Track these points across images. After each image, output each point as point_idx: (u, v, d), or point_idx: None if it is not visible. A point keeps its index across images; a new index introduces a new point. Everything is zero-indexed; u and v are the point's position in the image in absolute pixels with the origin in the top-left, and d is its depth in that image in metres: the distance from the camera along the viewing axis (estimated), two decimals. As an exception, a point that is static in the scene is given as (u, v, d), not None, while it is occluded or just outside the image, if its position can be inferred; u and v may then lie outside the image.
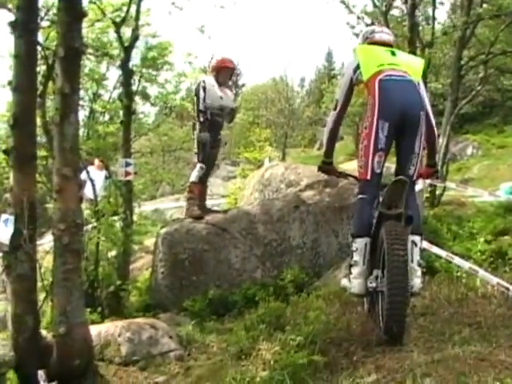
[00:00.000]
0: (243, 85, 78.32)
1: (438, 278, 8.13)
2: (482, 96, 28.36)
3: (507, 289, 6.57)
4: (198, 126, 9.60)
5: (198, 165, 9.56)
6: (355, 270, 5.28)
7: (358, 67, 5.67)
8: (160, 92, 16.76)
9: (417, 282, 5.09)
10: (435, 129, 5.74)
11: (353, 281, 5.31)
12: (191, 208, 9.48)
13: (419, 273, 5.15)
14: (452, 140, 16.95)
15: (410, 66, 5.71)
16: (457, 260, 8.02)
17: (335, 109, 5.88)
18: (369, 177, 5.28)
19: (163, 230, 9.10)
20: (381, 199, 5.12)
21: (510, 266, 10.49)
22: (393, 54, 5.71)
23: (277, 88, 40.60)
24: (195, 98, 9.73)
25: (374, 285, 5.08)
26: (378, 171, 5.26)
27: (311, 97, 57.52)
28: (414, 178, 5.36)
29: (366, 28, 8.03)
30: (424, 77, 6.91)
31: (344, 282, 5.64)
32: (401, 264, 4.67)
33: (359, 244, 5.30)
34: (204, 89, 9.65)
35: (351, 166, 11.51)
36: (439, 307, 6.01)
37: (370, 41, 6.00)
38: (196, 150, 9.63)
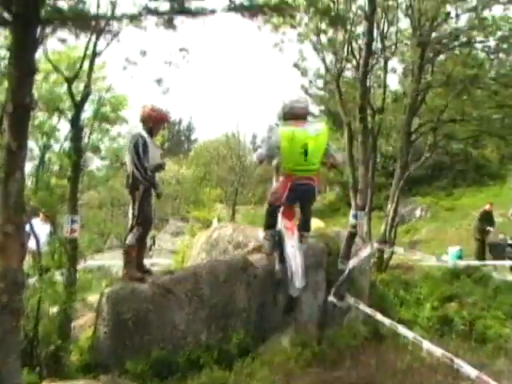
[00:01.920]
0: (195, 140, 78.78)
1: (384, 345, 8.16)
2: (431, 159, 28.98)
3: (451, 360, 6.60)
4: (141, 187, 8.92)
5: (136, 227, 9.00)
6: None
7: (278, 148, 8.60)
8: (112, 146, 16.77)
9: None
10: (336, 158, 9.30)
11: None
12: (131, 271, 9.09)
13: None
14: (401, 202, 17.14)
15: (318, 141, 8.64)
16: (401, 329, 8.03)
17: (260, 162, 9.40)
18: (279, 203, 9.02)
19: (107, 289, 8.93)
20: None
21: (456, 332, 10.60)
22: (305, 153, 8.51)
23: (229, 144, 40.62)
24: (132, 155, 8.89)
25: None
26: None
27: (263, 154, 57.83)
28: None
29: (285, 101, 9.07)
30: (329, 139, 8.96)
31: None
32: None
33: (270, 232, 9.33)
34: (144, 145, 8.92)
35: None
36: (385, 378, 6.01)
37: (289, 116, 8.89)
38: (135, 212, 8.97)
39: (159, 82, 10.56)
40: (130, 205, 9.26)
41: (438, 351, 6.89)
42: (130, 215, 9.13)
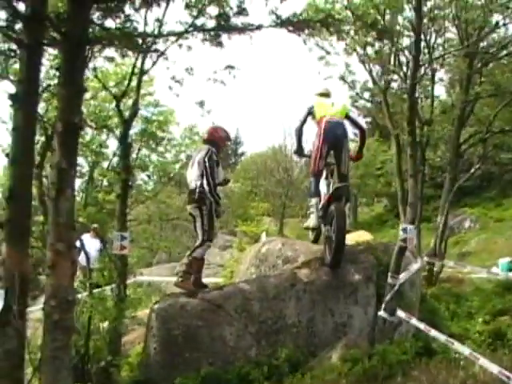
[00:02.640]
0: (242, 153, 78.80)
1: (436, 360, 7.98)
2: (479, 169, 28.55)
3: (508, 377, 6.39)
4: (208, 202, 9.11)
5: (207, 242, 9.16)
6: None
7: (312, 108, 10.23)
8: (159, 161, 16.88)
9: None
10: (363, 128, 10.81)
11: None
12: (188, 282, 9.14)
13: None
14: (450, 213, 16.86)
15: (339, 110, 10.06)
16: (457, 345, 7.81)
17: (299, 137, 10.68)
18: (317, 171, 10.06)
19: (157, 306, 8.93)
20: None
21: (509, 347, 10.32)
22: (332, 105, 10.10)
23: (276, 158, 40.57)
24: (204, 168, 9.12)
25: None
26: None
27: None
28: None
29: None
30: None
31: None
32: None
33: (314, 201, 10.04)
34: (217, 163, 9.37)
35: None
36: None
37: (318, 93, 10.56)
38: (205, 227, 9.10)
39: (201, 104, 10.59)
40: (195, 221, 9.28)
41: (494, 368, 6.68)
42: (199, 230, 9.19)
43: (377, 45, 14.06)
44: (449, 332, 10.13)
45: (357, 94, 16.42)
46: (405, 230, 9.52)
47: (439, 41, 16.00)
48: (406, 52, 14.65)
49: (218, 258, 23.57)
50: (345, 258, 9.44)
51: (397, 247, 9.62)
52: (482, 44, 16.28)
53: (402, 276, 9.53)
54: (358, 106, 18.04)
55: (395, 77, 15.74)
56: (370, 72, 15.36)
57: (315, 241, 10.72)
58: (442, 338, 8.10)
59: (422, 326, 8.57)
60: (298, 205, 41.58)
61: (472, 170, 17.04)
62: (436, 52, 15.92)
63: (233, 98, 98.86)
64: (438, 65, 15.99)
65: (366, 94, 17.66)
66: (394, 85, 16.70)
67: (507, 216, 33.74)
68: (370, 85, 16.33)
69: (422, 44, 13.58)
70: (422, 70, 14.06)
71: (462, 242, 31.36)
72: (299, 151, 10.90)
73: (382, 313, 9.26)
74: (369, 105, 21.14)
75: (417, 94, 14.12)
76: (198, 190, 9.09)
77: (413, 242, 10.04)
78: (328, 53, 15.19)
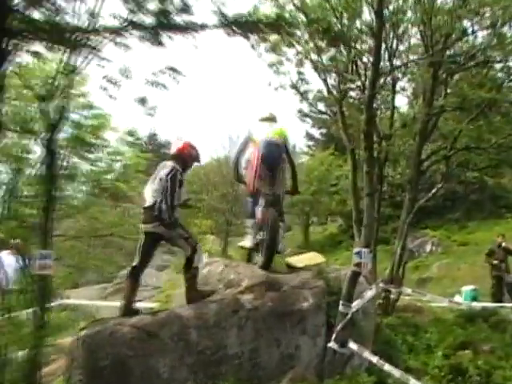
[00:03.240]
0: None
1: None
2: (442, 189, 28.76)
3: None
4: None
5: (197, 246, 9.44)
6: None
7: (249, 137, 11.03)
8: (92, 170, 16.63)
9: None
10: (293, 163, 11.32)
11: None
12: (195, 294, 9.40)
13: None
14: (409, 235, 16.96)
15: (277, 131, 10.81)
16: (414, 381, 7.86)
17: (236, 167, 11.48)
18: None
19: (83, 332, 8.77)
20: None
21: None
22: (271, 126, 10.84)
23: (220, 170, 40.28)
24: (166, 189, 9.06)
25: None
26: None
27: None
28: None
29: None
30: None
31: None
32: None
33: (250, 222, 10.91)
34: (181, 183, 9.31)
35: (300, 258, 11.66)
36: None
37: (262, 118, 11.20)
38: (185, 235, 9.38)
39: (143, 101, 10.44)
40: (168, 238, 9.40)
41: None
42: (181, 242, 9.36)
43: (332, 51, 14.12)
44: (405, 366, 10.21)
45: (310, 104, 16.41)
46: (359, 253, 9.60)
47: (401, 48, 16.01)
48: (365, 59, 14.77)
49: (154, 279, 23.40)
50: (293, 283, 9.49)
51: (350, 272, 9.69)
52: (448, 53, 16.35)
53: (355, 304, 9.61)
54: (312, 116, 17.98)
55: (353, 85, 15.78)
56: (325, 81, 15.37)
57: (248, 260, 11.36)
58: (398, 373, 8.16)
59: (375, 359, 8.63)
60: (244, 222, 41.48)
61: (434, 190, 17.03)
62: (398, 60, 15.99)
63: (175, 104, 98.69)
64: (399, 74, 16.10)
65: (321, 105, 17.65)
66: (353, 94, 16.81)
67: (472, 240, 34.28)
68: (325, 93, 16.32)
69: (383, 51, 13.64)
70: (382, 80, 14.19)
71: (423, 268, 31.79)
72: (239, 179, 11.44)
73: (332, 344, 9.31)
74: (324, 116, 21.22)
75: (376, 106, 14.24)
76: (157, 206, 9.08)
77: (367, 266, 10.10)
78: (280, 61, 15.15)
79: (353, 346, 9.14)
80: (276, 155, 10.64)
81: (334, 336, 9.33)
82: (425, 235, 36.00)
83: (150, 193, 9.31)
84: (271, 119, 11.18)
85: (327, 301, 9.79)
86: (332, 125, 18.59)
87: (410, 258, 28.11)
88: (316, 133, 53.77)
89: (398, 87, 16.90)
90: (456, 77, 17.11)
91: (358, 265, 9.59)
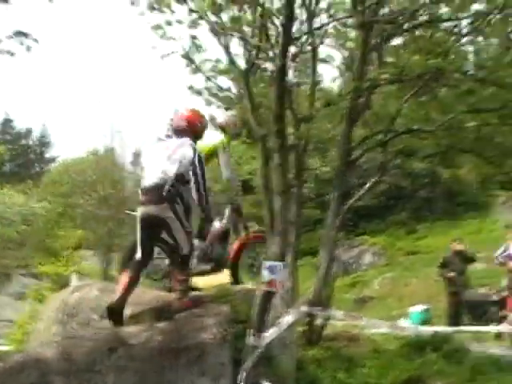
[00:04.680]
0: (52, 159, 77.42)
1: None
2: (382, 184, 28.70)
3: None
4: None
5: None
6: None
7: None
8: None
9: None
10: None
11: None
12: (184, 301, 9.71)
13: None
14: (342, 244, 17.09)
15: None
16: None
17: None
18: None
19: None
20: None
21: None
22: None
23: (99, 166, 39.55)
24: (197, 177, 9.69)
25: None
26: None
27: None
28: None
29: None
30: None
31: None
32: None
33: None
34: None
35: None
36: None
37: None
38: (187, 228, 9.82)
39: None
40: (168, 228, 9.69)
41: None
42: (179, 235, 9.73)
43: (234, 9, 14.00)
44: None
45: (207, 78, 16.25)
46: (270, 268, 9.57)
47: (323, 4, 15.91)
48: (278, 22, 14.64)
49: (9, 310, 22.92)
50: (189, 310, 9.51)
51: (260, 293, 9.70)
52: (382, 10, 16.31)
53: (270, 334, 9.61)
54: (209, 94, 17.83)
55: (264, 55, 15.66)
56: (227, 48, 15.19)
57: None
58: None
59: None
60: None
61: (367, 185, 16.75)
62: (318, 20, 15.90)
63: (39, 85, 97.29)
64: (320, 38, 16.00)
65: (223, 79, 17.51)
66: (266, 67, 16.66)
67: (422, 247, 34.73)
68: (227, 64, 16.18)
69: (298, 7, 13.66)
70: (298, 46, 14.20)
71: (361, 284, 32.00)
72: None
73: (240, 386, 9.30)
74: (227, 94, 21.22)
75: (294, 80, 14.27)
76: (167, 188, 9.37)
77: (284, 285, 10.07)
78: (168, 22, 14.97)
79: (267, 388, 9.19)
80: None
81: (242, 376, 9.33)
82: (363, 243, 36.27)
83: (157, 170, 9.64)
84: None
85: (234, 331, 9.78)
86: (236, 105, 18.34)
87: (345, 272, 28.54)
88: (220, 115, 53.50)
89: (320, 56, 16.84)
90: (393, 41, 17.18)
91: (271, 283, 9.59)
